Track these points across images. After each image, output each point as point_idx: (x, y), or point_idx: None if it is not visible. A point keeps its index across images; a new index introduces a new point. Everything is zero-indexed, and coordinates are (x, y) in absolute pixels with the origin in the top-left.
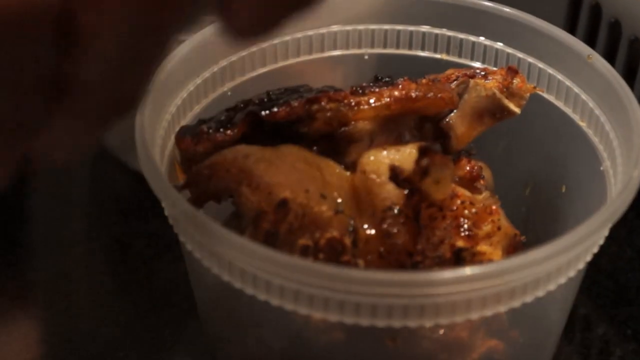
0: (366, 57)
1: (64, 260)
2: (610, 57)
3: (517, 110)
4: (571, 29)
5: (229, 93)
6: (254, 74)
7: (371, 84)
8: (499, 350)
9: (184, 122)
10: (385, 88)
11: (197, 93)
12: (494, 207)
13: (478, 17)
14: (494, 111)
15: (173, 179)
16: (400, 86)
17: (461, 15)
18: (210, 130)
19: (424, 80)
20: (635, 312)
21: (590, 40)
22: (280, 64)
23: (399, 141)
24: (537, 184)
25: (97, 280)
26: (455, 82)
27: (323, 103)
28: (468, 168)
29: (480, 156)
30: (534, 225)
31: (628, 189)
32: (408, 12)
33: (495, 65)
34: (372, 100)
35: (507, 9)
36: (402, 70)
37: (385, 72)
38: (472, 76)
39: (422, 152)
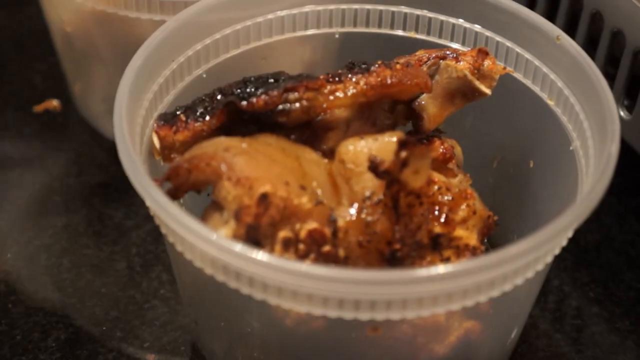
0: (337, 35)
1: (44, 233)
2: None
3: (488, 91)
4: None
5: (204, 75)
6: (228, 55)
7: (347, 71)
8: (476, 330)
9: (161, 107)
10: (360, 75)
11: (174, 77)
12: (468, 191)
13: None
14: (465, 92)
15: (152, 165)
16: (375, 73)
17: None
18: (189, 120)
19: (397, 66)
20: (596, 274)
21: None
22: (253, 44)
23: (374, 125)
24: (505, 158)
25: (78, 253)
26: (426, 64)
27: (300, 92)
28: (442, 150)
29: (448, 131)
30: (501, 195)
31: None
32: None
33: (463, 44)
34: (348, 88)
35: None
36: (372, 48)
37: (355, 49)
38: (443, 57)
39: (401, 145)
